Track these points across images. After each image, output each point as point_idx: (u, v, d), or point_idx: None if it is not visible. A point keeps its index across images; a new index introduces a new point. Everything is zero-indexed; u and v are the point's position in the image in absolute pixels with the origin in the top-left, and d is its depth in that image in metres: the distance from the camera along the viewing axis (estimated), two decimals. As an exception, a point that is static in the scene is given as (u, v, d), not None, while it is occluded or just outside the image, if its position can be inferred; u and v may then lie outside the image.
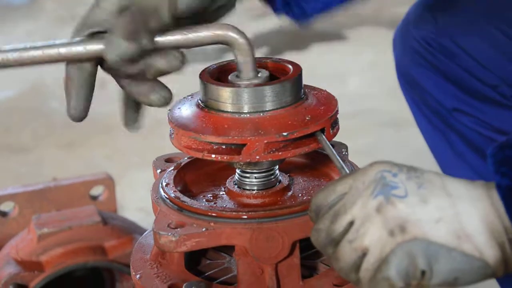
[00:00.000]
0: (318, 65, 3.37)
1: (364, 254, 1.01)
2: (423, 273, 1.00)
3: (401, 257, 0.99)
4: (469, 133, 1.54)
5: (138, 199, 2.49)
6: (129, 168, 2.71)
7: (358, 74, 3.37)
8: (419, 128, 1.67)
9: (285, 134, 1.13)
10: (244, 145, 1.14)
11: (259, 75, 1.18)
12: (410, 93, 1.63)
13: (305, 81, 1.23)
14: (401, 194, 1.01)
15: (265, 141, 1.13)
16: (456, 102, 1.53)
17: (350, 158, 1.31)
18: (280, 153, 1.15)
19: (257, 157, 1.14)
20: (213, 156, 1.16)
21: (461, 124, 1.55)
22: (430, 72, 1.56)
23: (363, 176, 1.04)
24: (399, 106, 3.03)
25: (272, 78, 1.20)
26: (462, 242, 1.00)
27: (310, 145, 1.16)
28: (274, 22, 3.80)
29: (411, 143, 2.69)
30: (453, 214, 1.00)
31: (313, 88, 1.25)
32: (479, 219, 1.00)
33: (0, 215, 1.80)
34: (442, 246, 0.99)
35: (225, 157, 1.16)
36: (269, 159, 1.15)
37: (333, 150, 1.16)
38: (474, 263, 1.00)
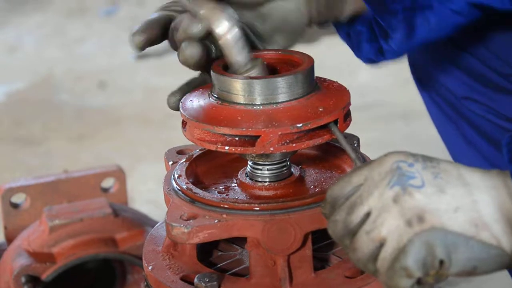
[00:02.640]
0: (327, 57, 3.36)
1: (381, 245, 1.01)
2: (441, 262, 1.00)
3: (419, 247, 0.99)
4: (479, 121, 1.54)
5: (147, 192, 2.50)
6: (138, 160, 2.71)
7: (368, 67, 3.36)
8: (431, 117, 1.67)
9: (299, 125, 1.13)
10: (258, 136, 1.14)
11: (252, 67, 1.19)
12: (422, 83, 1.63)
13: (315, 73, 1.22)
14: (418, 184, 1.01)
15: (279, 133, 1.13)
16: (467, 90, 1.53)
17: (360, 150, 1.31)
18: (294, 144, 1.15)
19: (271, 148, 1.14)
20: (227, 148, 1.16)
21: (471, 112, 1.55)
22: (443, 61, 1.55)
23: (379, 166, 1.04)
24: (408, 98, 3.04)
25: (284, 70, 1.20)
26: (479, 231, 1.00)
27: (323, 136, 1.16)
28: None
29: (421, 135, 2.69)
30: (470, 203, 1.00)
31: (324, 80, 1.25)
32: (495, 208, 1.00)
33: (11, 207, 1.81)
34: (460, 235, 0.99)
35: (239, 149, 1.16)
36: (283, 150, 1.15)
37: (346, 141, 1.16)
38: (492, 251, 1.00)
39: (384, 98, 3.05)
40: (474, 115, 1.55)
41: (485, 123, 1.55)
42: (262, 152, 1.15)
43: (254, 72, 1.18)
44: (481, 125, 1.55)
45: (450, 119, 1.60)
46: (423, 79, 1.63)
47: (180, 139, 1.34)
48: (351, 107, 1.22)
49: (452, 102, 1.57)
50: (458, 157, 1.64)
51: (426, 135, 2.73)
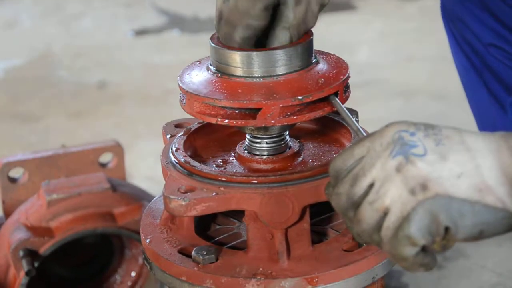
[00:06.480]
0: (326, 35, 3.34)
1: (385, 214, 1.01)
2: (446, 229, 1.00)
3: (422, 215, 0.99)
4: (502, 70, 1.54)
5: (146, 168, 2.50)
6: (137, 137, 2.71)
7: (367, 44, 3.35)
8: (456, 66, 1.67)
9: (300, 97, 1.13)
10: (259, 109, 1.13)
11: None
12: (452, 30, 1.63)
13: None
14: (420, 153, 1.01)
15: (281, 105, 1.13)
16: (494, 36, 1.53)
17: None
18: (295, 117, 1.14)
19: (273, 121, 1.13)
20: (227, 121, 1.15)
21: (495, 59, 1.54)
22: (475, 7, 1.55)
23: (381, 137, 1.03)
24: (408, 76, 3.03)
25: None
26: (484, 195, 1.00)
27: (324, 109, 1.16)
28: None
29: (420, 113, 2.69)
30: (474, 167, 1.00)
31: (322, 53, 1.24)
32: (499, 171, 1.01)
33: (9, 181, 1.80)
34: (465, 201, 1.00)
35: (240, 122, 1.15)
36: (285, 123, 1.15)
37: (348, 113, 1.15)
38: (498, 214, 1.00)
39: (384, 76, 3.04)
40: (498, 63, 1.55)
41: (509, 72, 1.54)
42: (263, 125, 1.14)
43: None
44: (504, 75, 1.55)
45: (475, 68, 1.60)
46: (454, 27, 1.62)
47: (180, 116, 1.33)
48: (350, 85, 1.21)
49: (479, 49, 1.57)
50: (479, 107, 1.65)
51: (425, 113, 2.72)
